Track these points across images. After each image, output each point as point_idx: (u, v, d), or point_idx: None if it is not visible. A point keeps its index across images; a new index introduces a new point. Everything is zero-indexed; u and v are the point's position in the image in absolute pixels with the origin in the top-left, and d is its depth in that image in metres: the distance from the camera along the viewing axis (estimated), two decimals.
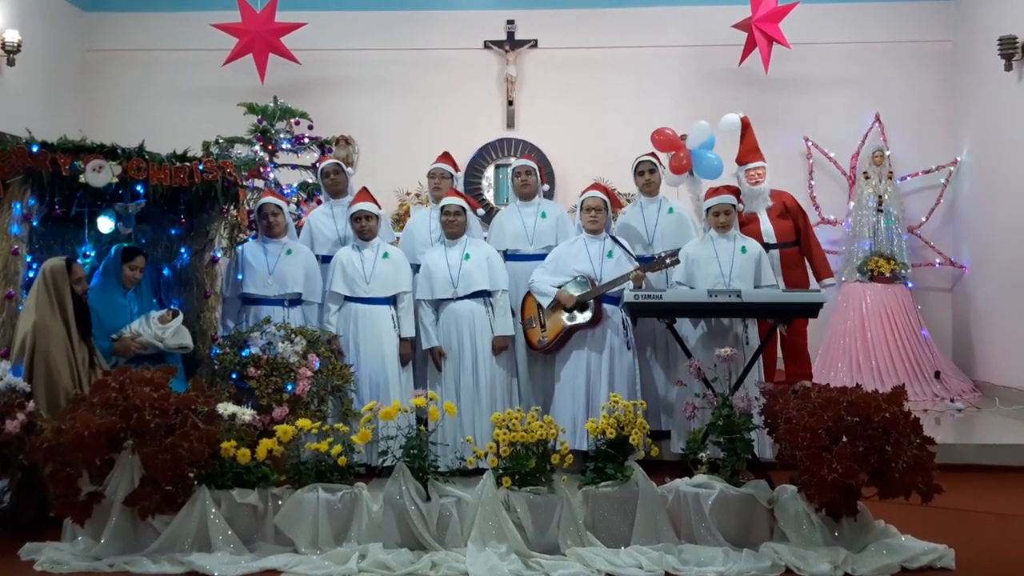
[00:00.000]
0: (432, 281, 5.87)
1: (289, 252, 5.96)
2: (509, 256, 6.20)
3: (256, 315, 5.80)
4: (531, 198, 6.32)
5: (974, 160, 8.62)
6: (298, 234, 6.35)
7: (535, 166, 6.38)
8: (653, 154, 6.40)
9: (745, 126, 6.87)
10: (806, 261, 6.68)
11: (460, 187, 6.52)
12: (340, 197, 6.42)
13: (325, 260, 6.15)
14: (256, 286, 5.87)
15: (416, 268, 6.05)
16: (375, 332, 5.83)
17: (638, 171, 6.31)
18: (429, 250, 6.06)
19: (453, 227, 5.92)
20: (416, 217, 6.65)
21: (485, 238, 6.36)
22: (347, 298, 5.88)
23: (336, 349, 5.77)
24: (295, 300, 5.92)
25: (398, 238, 6.65)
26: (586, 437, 4.82)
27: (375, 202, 6.08)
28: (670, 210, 6.24)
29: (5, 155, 4.98)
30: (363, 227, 5.93)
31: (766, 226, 6.54)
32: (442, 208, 5.99)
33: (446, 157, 6.56)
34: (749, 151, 6.75)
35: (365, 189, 6.17)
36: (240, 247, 6.02)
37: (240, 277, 5.88)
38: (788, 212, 6.64)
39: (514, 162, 6.60)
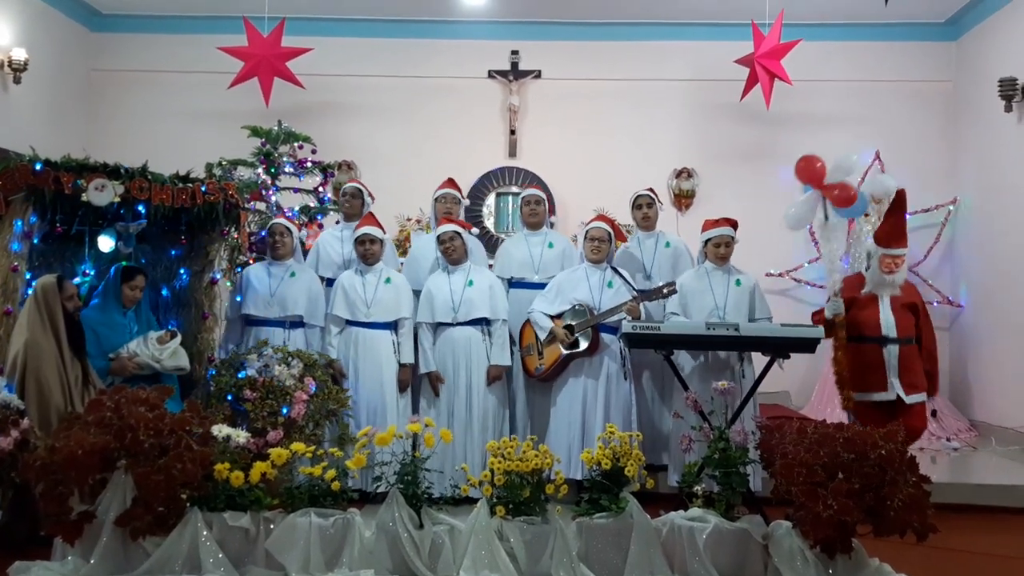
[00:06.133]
0: (433, 305, 5.88)
1: (293, 275, 5.95)
2: (514, 284, 6.22)
3: (257, 337, 5.79)
4: (539, 228, 6.34)
5: (973, 200, 8.66)
6: (305, 256, 6.35)
7: (544, 196, 6.39)
8: (651, 189, 6.40)
9: (899, 202, 5.87)
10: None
11: (462, 214, 6.52)
12: (353, 221, 6.38)
13: (330, 283, 6.15)
14: (258, 308, 5.86)
15: (419, 294, 6.04)
16: (375, 357, 5.83)
17: (636, 204, 6.35)
18: (433, 275, 6.06)
19: (452, 253, 5.94)
20: (419, 243, 6.65)
21: (491, 265, 6.37)
22: (348, 322, 5.89)
23: (338, 370, 5.79)
24: (297, 323, 5.91)
25: (403, 264, 6.65)
26: (581, 466, 4.81)
27: (380, 227, 6.10)
28: (667, 244, 6.27)
29: (8, 172, 5.00)
30: (367, 251, 5.94)
31: (886, 315, 5.73)
32: (438, 237, 6.02)
33: (452, 183, 6.58)
34: (897, 234, 5.78)
35: (371, 214, 6.20)
36: (244, 268, 6.04)
37: (239, 299, 5.88)
38: (912, 306, 5.81)
39: (524, 191, 6.61)
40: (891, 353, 5.68)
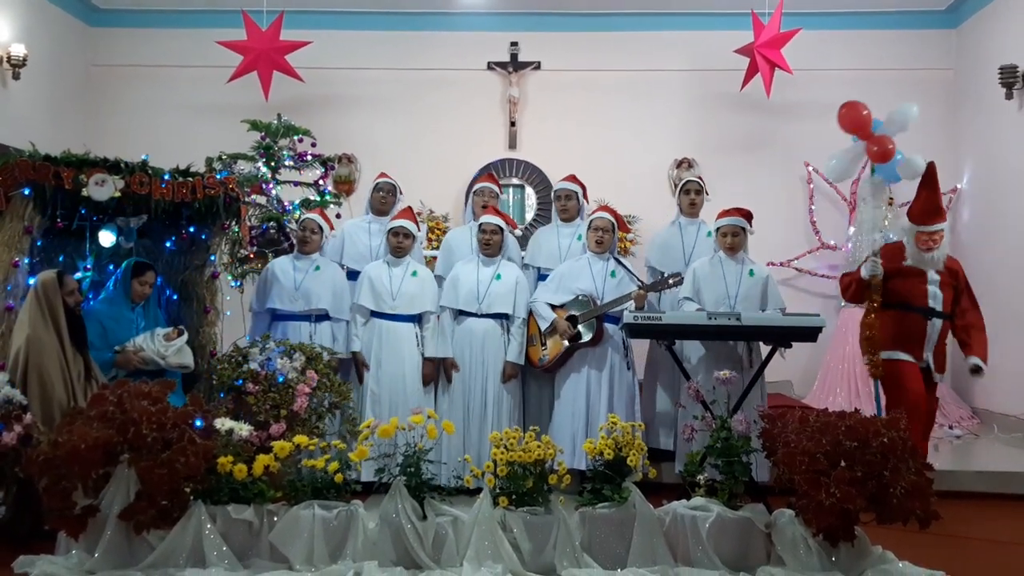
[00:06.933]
0: (458, 291, 5.90)
1: (317, 268, 6.01)
2: (542, 276, 6.22)
3: (283, 331, 5.86)
4: (571, 221, 6.34)
5: (974, 188, 8.66)
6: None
7: (575, 190, 6.36)
8: (700, 177, 6.39)
9: (930, 176, 5.60)
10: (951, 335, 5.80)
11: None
12: (383, 215, 6.41)
13: (352, 275, 6.17)
14: (282, 301, 5.93)
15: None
16: (397, 349, 5.86)
17: (684, 190, 6.33)
18: (463, 261, 6.08)
19: (490, 246, 5.95)
20: (455, 233, 6.66)
21: (523, 257, 6.39)
22: (372, 314, 5.91)
23: (361, 362, 5.85)
24: (322, 316, 5.95)
25: (430, 258, 6.63)
26: (585, 457, 4.82)
27: (416, 222, 6.13)
28: (708, 233, 6.19)
29: (9, 168, 4.99)
30: (400, 243, 5.95)
31: (935, 288, 5.58)
32: (480, 226, 6.02)
33: (491, 177, 6.62)
34: (931, 210, 5.54)
35: (409, 208, 6.22)
36: (271, 262, 6.12)
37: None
38: (953, 287, 5.66)
39: (556, 184, 6.58)
40: (934, 327, 5.59)
